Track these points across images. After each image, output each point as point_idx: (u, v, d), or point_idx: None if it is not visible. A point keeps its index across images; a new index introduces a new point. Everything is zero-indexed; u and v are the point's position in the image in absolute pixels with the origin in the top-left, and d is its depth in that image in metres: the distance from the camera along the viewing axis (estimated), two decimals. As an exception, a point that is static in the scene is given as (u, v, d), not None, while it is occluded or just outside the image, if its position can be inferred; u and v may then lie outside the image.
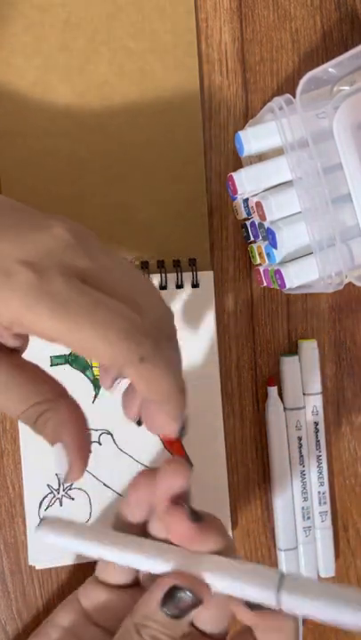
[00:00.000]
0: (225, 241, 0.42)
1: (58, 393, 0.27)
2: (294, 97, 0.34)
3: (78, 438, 0.26)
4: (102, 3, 0.40)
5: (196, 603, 0.25)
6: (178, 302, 0.41)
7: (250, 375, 0.42)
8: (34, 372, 0.27)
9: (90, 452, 0.27)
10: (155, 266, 0.41)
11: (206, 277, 0.41)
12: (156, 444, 0.41)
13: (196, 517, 0.26)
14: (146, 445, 0.41)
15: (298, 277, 0.37)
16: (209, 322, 0.41)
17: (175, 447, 0.41)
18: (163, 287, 0.40)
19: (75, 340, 0.24)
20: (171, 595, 0.25)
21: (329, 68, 0.35)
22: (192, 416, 0.41)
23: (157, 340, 0.25)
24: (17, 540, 0.39)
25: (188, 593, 0.25)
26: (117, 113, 0.41)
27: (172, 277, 0.41)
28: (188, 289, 0.41)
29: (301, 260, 0.37)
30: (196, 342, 0.41)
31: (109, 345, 0.24)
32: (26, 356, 0.41)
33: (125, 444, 0.40)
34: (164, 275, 0.40)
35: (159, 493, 0.27)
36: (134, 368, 0.25)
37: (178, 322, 0.41)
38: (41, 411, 0.26)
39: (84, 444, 0.27)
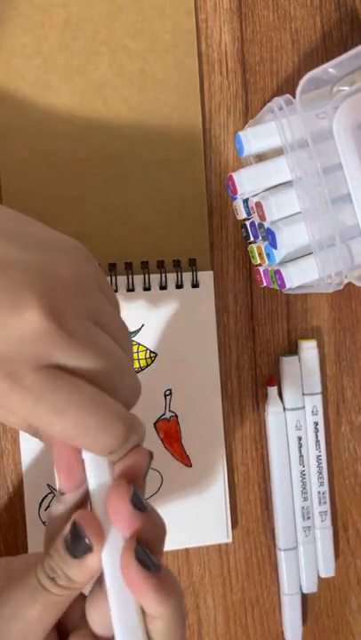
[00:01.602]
0: (225, 241, 0.42)
1: None
2: (294, 97, 0.34)
3: (63, 457, 0.27)
4: (102, 3, 0.40)
5: (88, 547, 0.25)
6: (178, 302, 0.41)
7: (250, 375, 0.42)
8: None
9: (77, 471, 0.27)
10: (155, 266, 0.41)
11: (206, 277, 0.41)
12: (155, 443, 0.41)
13: (139, 506, 0.25)
14: (145, 445, 0.41)
15: (298, 277, 0.37)
16: (209, 322, 0.41)
17: (175, 447, 0.41)
18: (163, 287, 0.40)
19: (49, 431, 0.25)
20: (73, 530, 0.25)
21: (329, 68, 0.35)
22: (192, 416, 0.41)
23: (128, 429, 0.26)
24: (17, 541, 0.39)
25: (84, 536, 0.25)
26: (117, 113, 0.41)
27: (172, 277, 0.41)
28: (188, 289, 0.41)
29: (301, 260, 0.37)
30: (196, 342, 0.41)
31: (77, 443, 0.25)
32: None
33: (125, 444, 0.40)
34: (164, 275, 0.40)
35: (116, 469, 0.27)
36: (103, 456, 0.26)
37: (178, 322, 0.41)
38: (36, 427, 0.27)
39: (69, 461, 0.27)
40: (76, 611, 0.28)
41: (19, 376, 0.23)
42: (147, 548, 0.25)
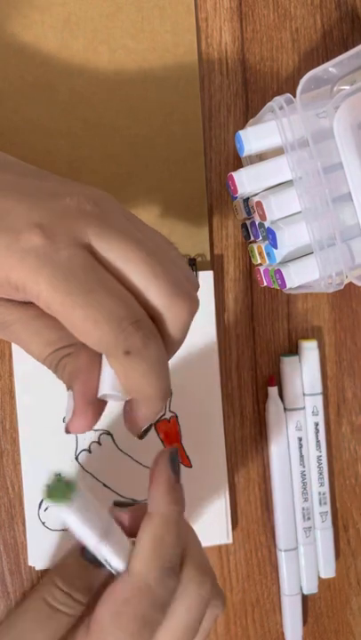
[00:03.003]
0: (225, 241, 0.42)
1: (81, 343, 0.25)
2: (295, 96, 0.34)
3: (87, 387, 0.25)
4: (102, 2, 0.40)
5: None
6: (178, 302, 0.41)
7: (250, 375, 0.42)
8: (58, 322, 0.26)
9: (100, 408, 0.26)
10: (155, 266, 0.40)
11: (206, 277, 0.41)
12: (155, 444, 0.40)
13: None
14: (145, 446, 0.40)
15: (298, 277, 0.37)
16: (209, 322, 0.41)
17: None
18: (163, 287, 0.40)
19: (65, 315, 0.24)
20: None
21: (329, 67, 0.35)
22: (192, 416, 0.41)
23: (149, 335, 0.25)
24: (17, 541, 0.39)
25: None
26: (117, 113, 0.41)
27: (172, 277, 0.40)
28: (188, 289, 0.41)
29: (302, 260, 0.37)
30: (197, 342, 0.41)
31: (97, 330, 0.24)
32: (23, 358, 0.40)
33: (125, 445, 0.40)
34: (164, 275, 0.40)
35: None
36: (118, 361, 0.24)
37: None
38: (62, 355, 0.26)
39: (92, 393, 0.25)
40: None
41: (55, 246, 0.24)
42: None
